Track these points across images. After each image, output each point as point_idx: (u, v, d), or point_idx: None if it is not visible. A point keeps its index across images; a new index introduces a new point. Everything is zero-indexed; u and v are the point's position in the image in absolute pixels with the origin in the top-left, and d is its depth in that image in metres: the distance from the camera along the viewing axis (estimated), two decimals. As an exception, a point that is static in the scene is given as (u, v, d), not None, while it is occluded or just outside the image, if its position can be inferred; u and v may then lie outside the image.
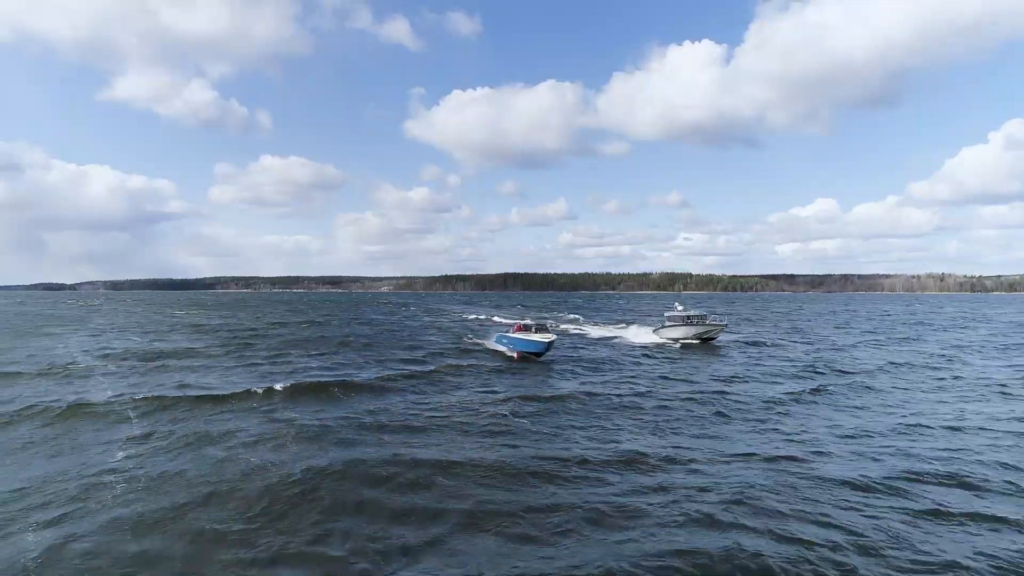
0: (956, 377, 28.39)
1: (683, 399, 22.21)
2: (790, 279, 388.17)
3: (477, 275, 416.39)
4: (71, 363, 30.41)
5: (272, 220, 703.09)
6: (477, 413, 19.83)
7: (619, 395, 23.12)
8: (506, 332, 38.31)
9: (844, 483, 12.82)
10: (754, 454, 14.99)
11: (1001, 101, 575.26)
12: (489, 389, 24.59)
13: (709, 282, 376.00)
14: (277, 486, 12.47)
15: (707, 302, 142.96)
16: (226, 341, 43.35)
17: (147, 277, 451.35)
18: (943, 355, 37.31)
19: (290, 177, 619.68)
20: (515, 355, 35.47)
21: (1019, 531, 10.52)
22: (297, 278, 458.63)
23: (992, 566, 9.26)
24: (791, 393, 23.48)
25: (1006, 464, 14.26)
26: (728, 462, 14.41)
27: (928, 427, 17.98)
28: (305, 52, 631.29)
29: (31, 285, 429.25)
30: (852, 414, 20.16)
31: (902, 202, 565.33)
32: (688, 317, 44.62)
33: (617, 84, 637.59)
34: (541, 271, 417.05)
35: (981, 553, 9.65)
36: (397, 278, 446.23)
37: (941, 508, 11.49)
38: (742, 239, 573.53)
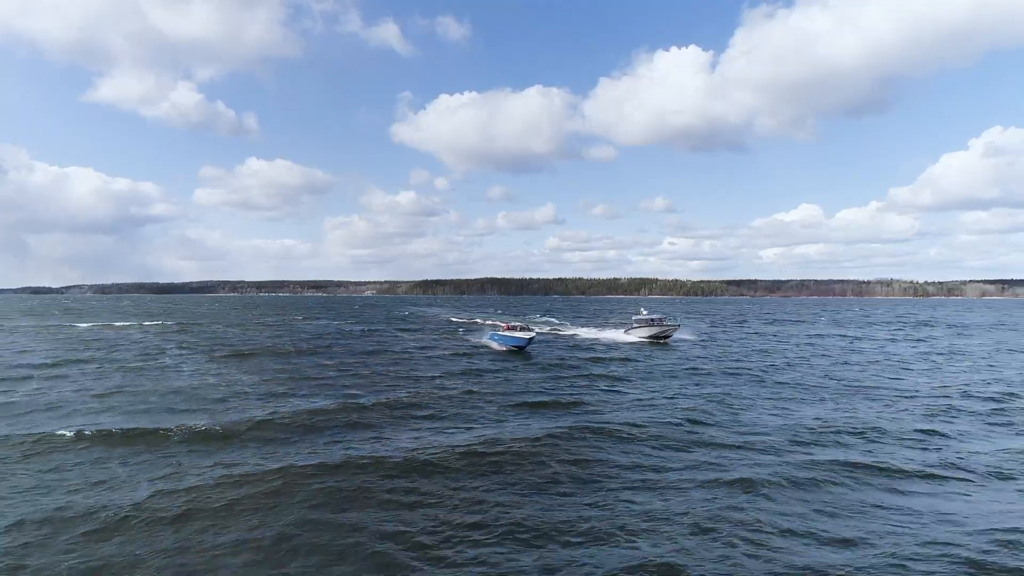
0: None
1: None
2: (752, 284, 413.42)
3: (457, 280, 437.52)
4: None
5: (260, 224, 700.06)
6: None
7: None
8: (497, 331, 44.99)
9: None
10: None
11: (982, 108, 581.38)
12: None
13: (673, 287, 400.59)
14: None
15: (660, 306, 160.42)
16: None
17: (133, 281, 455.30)
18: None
19: (277, 180, 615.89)
20: (503, 349, 42.25)
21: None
22: (283, 282, 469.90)
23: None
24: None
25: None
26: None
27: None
28: (294, 55, 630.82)
29: (17, 288, 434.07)
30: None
31: (884, 208, 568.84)
32: (651, 320, 52.26)
33: (604, 89, 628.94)
34: (525, 276, 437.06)
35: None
36: (380, 282, 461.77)
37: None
38: (728, 244, 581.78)
